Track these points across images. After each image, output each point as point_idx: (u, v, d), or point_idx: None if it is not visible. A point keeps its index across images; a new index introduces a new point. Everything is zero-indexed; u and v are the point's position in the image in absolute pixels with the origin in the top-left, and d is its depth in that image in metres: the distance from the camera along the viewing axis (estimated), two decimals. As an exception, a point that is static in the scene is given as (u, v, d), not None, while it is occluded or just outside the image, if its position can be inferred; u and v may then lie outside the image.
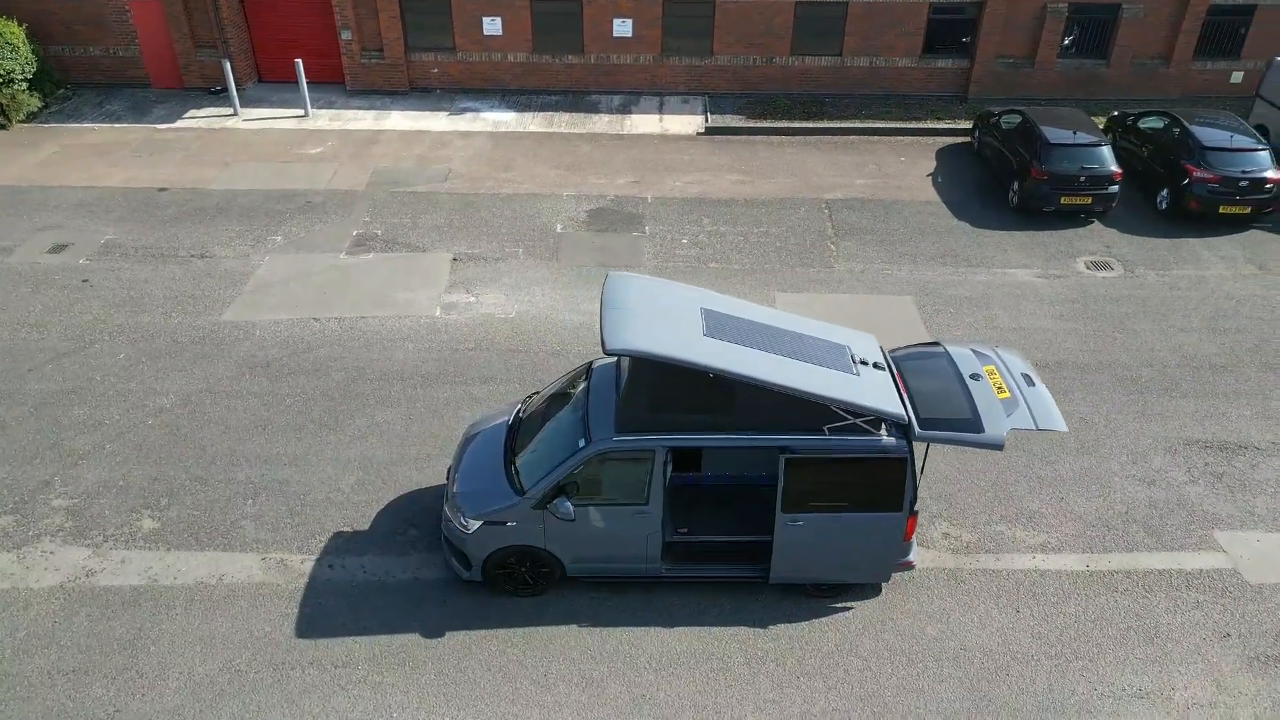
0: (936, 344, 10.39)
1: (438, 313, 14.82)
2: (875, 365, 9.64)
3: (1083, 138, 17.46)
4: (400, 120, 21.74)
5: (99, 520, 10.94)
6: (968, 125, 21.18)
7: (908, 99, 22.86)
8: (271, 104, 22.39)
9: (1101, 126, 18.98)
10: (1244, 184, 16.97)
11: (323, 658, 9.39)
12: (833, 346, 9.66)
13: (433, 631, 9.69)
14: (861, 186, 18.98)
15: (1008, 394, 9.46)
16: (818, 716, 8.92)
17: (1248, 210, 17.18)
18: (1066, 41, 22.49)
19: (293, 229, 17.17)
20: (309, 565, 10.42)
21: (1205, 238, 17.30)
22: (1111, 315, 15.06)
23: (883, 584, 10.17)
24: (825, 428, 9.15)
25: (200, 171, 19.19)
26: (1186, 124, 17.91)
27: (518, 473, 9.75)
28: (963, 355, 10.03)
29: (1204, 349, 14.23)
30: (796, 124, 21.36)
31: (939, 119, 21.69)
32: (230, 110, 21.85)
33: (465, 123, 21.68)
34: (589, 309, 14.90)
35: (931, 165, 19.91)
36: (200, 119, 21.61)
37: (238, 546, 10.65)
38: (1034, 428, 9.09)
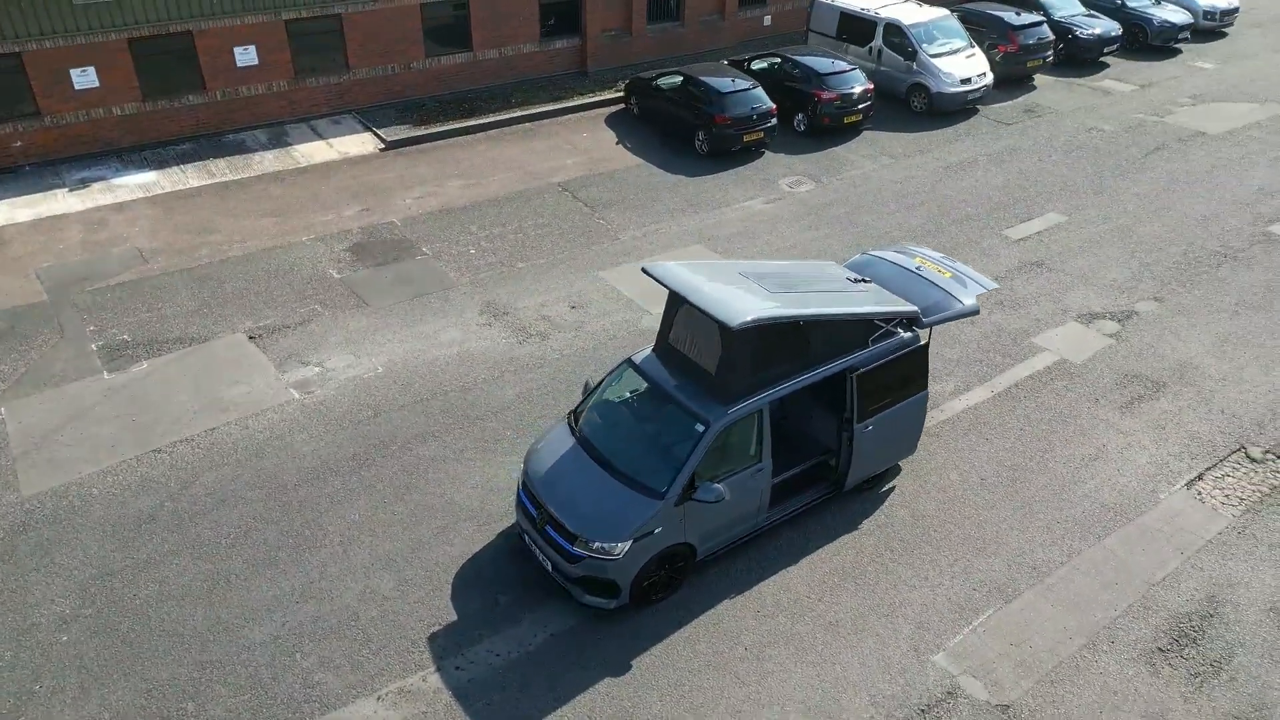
0: (866, 253, 12.32)
1: (295, 395, 12.92)
2: (865, 280, 11.25)
3: (741, 84, 20.49)
4: (7, 212, 17.36)
5: (126, 766, 8.28)
6: (613, 96, 23.21)
7: (538, 81, 24.16)
8: None
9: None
10: (854, 96, 21.49)
11: (549, 746, 8.57)
12: (834, 276, 11.05)
13: (617, 669, 9.30)
14: (574, 165, 20.04)
15: (949, 274, 11.75)
16: (948, 569, 10.55)
17: (859, 117, 21.80)
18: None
19: None
20: (434, 679, 9.14)
21: (842, 144, 21.59)
22: (838, 217, 18.40)
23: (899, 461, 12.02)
24: (869, 340, 10.61)
25: None
26: (798, 59, 21.96)
27: (637, 481, 9.63)
28: (895, 257, 12.09)
29: (913, 222, 18.22)
30: (473, 121, 21.49)
31: (582, 94, 23.39)
32: None
33: (101, 195, 18.06)
34: (451, 338, 14.17)
35: (612, 135, 21.62)
36: None
37: (335, 702, 8.89)
38: (984, 290, 11.52)
